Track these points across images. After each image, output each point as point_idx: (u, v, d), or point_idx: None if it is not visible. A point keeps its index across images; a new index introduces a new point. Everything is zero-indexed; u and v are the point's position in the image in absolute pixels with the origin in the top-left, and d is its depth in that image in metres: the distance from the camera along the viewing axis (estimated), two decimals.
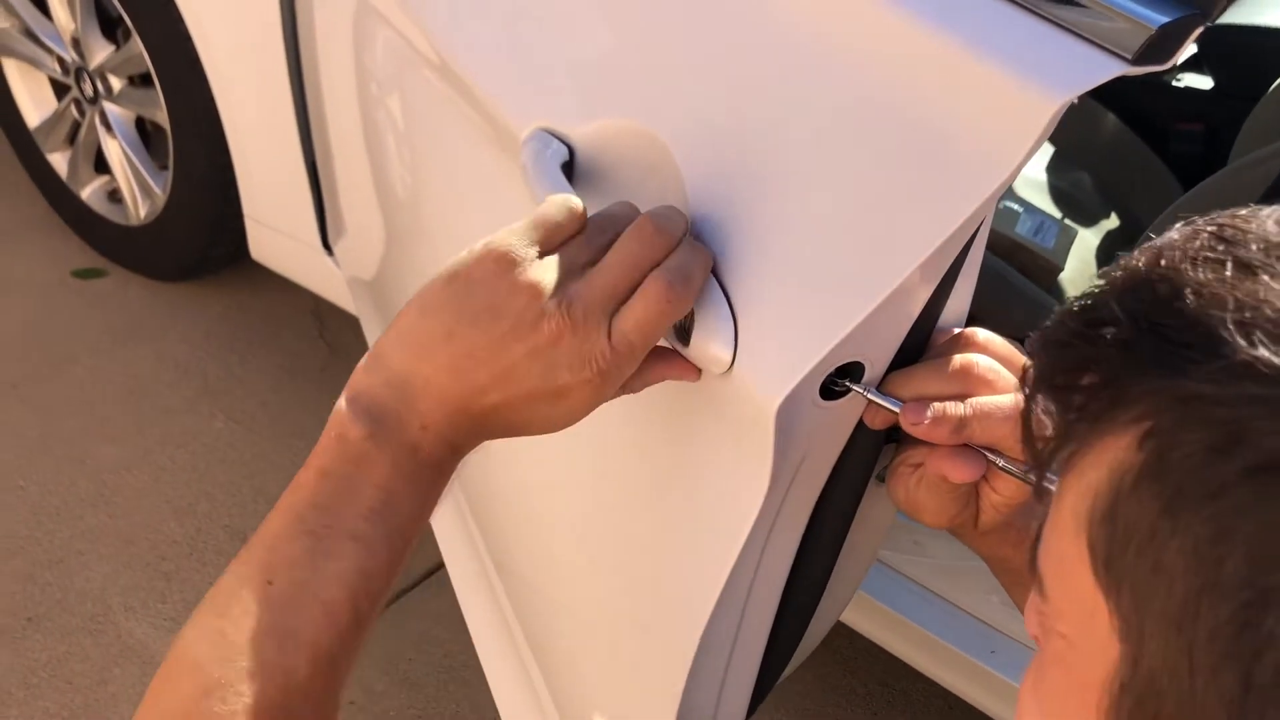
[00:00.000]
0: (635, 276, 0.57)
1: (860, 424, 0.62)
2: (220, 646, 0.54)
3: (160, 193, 2.05)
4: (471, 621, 1.12)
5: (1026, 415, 0.41)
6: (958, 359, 0.59)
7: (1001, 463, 0.58)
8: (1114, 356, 0.36)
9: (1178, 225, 0.40)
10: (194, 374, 2.09)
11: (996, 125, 0.50)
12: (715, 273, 0.61)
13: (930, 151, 0.53)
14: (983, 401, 0.58)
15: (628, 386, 0.61)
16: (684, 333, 0.61)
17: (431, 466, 0.58)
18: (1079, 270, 1.68)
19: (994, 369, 0.60)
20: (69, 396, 2.02)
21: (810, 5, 0.61)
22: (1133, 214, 1.78)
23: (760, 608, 0.68)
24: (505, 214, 0.98)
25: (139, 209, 2.12)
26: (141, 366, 2.09)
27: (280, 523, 0.56)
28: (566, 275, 0.57)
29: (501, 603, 1.06)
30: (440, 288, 0.58)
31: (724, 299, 0.60)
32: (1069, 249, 1.64)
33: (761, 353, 0.58)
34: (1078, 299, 0.40)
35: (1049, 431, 0.39)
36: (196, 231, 2.06)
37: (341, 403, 0.57)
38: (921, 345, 0.61)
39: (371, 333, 1.64)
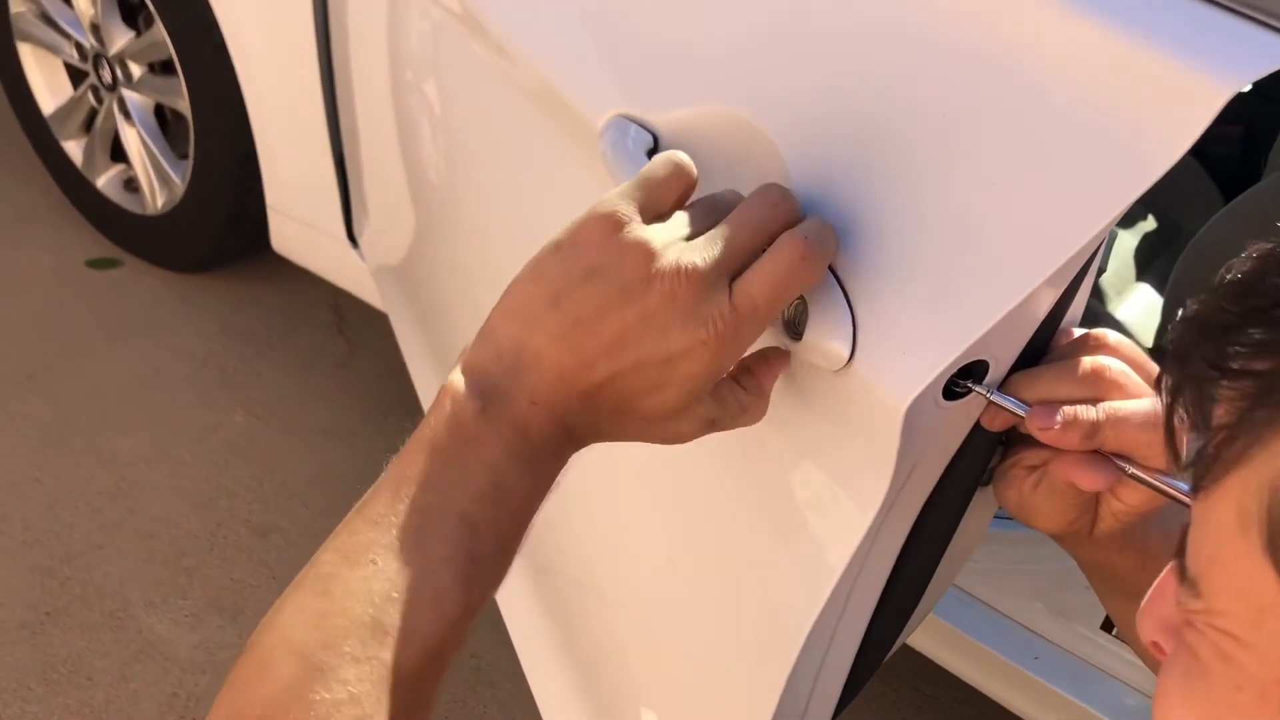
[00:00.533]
0: (760, 239, 0.54)
1: (976, 425, 0.59)
2: (321, 630, 0.49)
3: (179, 182, 2.03)
4: (514, 625, 1.10)
5: (1170, 414, 0.39)
6: (1088, 361, 0.57)
7: (1135, 471, 0.55)
8: None
9: None
10: (211, 367, 2.06)
11: (1157, 115, 0.48)
12: (829, 265, 0.59)
13: (1081, 142, 0.51)
14: (1116, 406, 0.55)
15: (750, 409, 0.58)
16: (793, 327, 0.59)
17: (543, 448, 0.54)
18: (1118, 272, 1.66)
19: (1126, 373, 0.57)
20: (85, 388, 1.99)
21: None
22: (1169, 216, 1.76)
23: (857, 612, 0.66)
24: (562, 198, 0.98)
25: (156, 199, 2.09)
26: (158, 359, 2.07)
27: (386, 499, 0.51)
28: (679, 235, 0.54)
29: (550, 604, 1.04)
30: (548, 254, 0.54)
31: (841, 292, 0.58)
32: (1108, 251, 1.62)
33: (883, 350, 0.56)
34: (1225, 280, 0.37)
35: (1201, 432, 0.37)
36: (215, 222, 2.03)
37: (452, 376, 0.54)
38: (1044, 345, 0.58)
39: (400, 326, 1.62)
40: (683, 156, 0.56)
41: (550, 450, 0.54)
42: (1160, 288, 1.66)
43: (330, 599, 0.50)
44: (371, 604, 0.49)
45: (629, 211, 0.53)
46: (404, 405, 1.99)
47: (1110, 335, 0.60)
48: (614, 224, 0.53)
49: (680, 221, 0.55)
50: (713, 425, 0.58)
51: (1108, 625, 1.31)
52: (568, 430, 0.55)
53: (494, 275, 1.20)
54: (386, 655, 0.49)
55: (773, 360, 0.60)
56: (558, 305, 0.53)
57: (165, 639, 1.62)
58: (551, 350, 0.53)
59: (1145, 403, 0.56)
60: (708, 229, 0.55)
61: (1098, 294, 1.60)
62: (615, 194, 0.54)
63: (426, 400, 1.53)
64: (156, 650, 1.61)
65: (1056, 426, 0.55)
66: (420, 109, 1.38)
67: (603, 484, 0.75)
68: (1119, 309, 1.65)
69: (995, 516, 0.68)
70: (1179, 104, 0.47)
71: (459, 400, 0.52)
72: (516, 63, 0.99)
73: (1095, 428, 0.55)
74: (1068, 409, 0.55)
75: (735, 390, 0.58)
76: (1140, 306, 1.66)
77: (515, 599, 1.09)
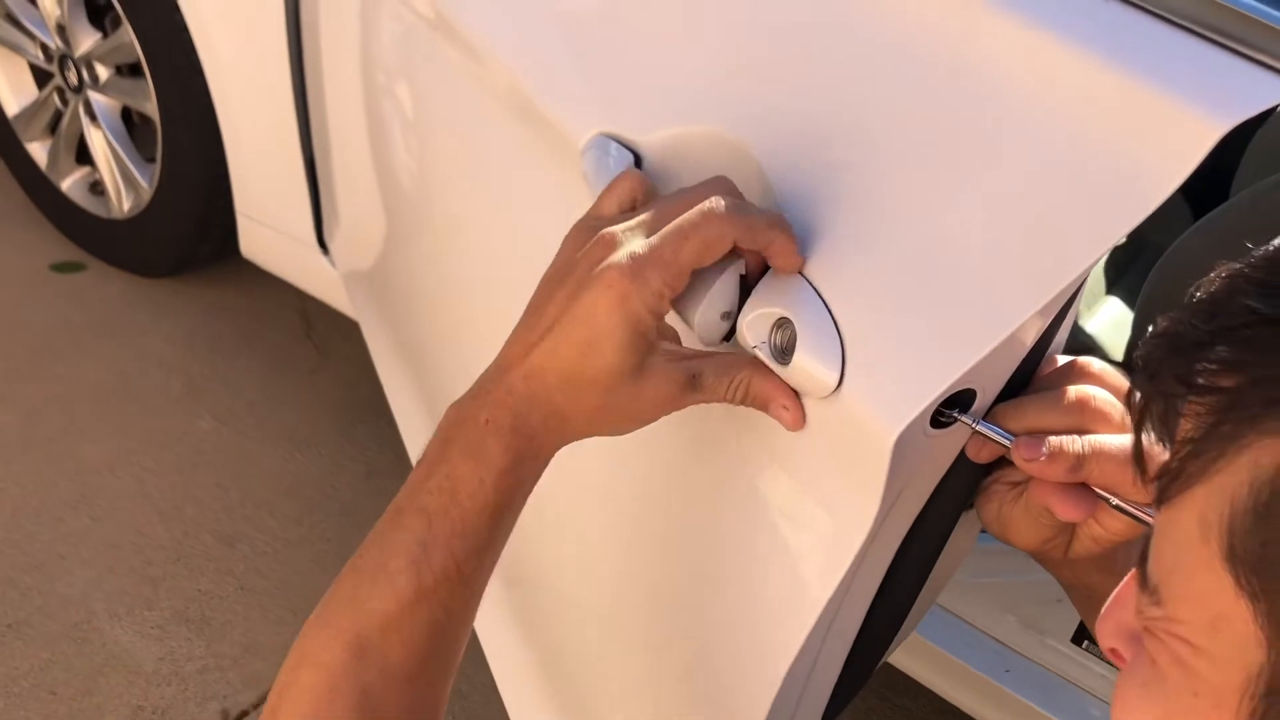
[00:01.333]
0: (681, 209, 0.57)
1: (962, 451, 0.59)
2: (315, 618, 0.59)
3: (146, 186, 2.00)
4: (487, 639, 1.09)
5: (1138, 431, 0.40)
6: (1073, 391, 0.57)
7: (1119, 503, 0.55)
8: (1263, 351, 0.35)
9: None
10: (178, 373, 2.04)
11: (1150, 150, 0.48)
12: (816, 290, 0.58)
13: (1074, 175, 0.51)
14: (1101, 441, 0.56)
15: (723, 394, 0.59)
16: (783, 352, 0.59)
17: (490, 435, 0.57)
18: (1088, 285, 1.67)
19: (1111, 402, 0.57)
20: (48, 394, 1.96)
21: (942, 15, 0.58)
22: (1139, 230, 1.77)
23: (839, 638, 0.66)
24: (536, 204, 0.97)
25: (122, 202, 2.07)
26: (123, 364, 2.04)
27: (388, 509, 0.60)
28: (633, 232, 0.58)
29: (525, 618, 1.03)
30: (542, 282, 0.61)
31: (830, 319, 0.57)
32: None
33: (872, 378, 0.56)
34: (1196, 298, 0.38)
35: (1168, 445, 0.38)
36: (183, 227, 2.01)
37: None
38: (1031, 373, 0.58)
39: (370, 332, 1.60)
40: (638, 172, 0.63)
41: (497, 440, 0.57)
42: (1130, 301, 1.67)
43: (330, 592, 0.59)
44: (344, 591, 0.58)
45: (591, 224, 0.59)
46: (373, 412, 1.97)
47: (1094, 363, 0.60)
48: (577, 233, 0.59)
49: (636, 219, 0.59)
50: (694, 383, 0.59)
51: (1078, 638, 1.32)
52: (519, 416, 0.58)
53: (466, 281, 1.20)
54: (348, 625, 0.57)
55: (769, 381, 0.59)
56: (528, 310, 0.59)
57: (130, 651, 1.60)
58: (512, 344, 0.59)
59: (1130, 436, 0.56)
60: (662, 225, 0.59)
61: None
62: (589, 211, 0.61)
63: (397, 406, 1.52)
64: (121, 662, 1.58)
65: (1042, 458, 0.55)
66: (393, 114, 1.37)
67: (587, 501, 0.75)
68: (1089, 322, 1.66)
69: None
70: (1172, 140, 0.47)
71: (451, 409, 0.60)
72: (493, 70, 0.98)
73: (1080, 461, 0.55)
74: (1053, 441, 0.55)
75: (717, 376, 0.60)
76: (1109, 320, 1.67)
77: (489, 610, 1.08)
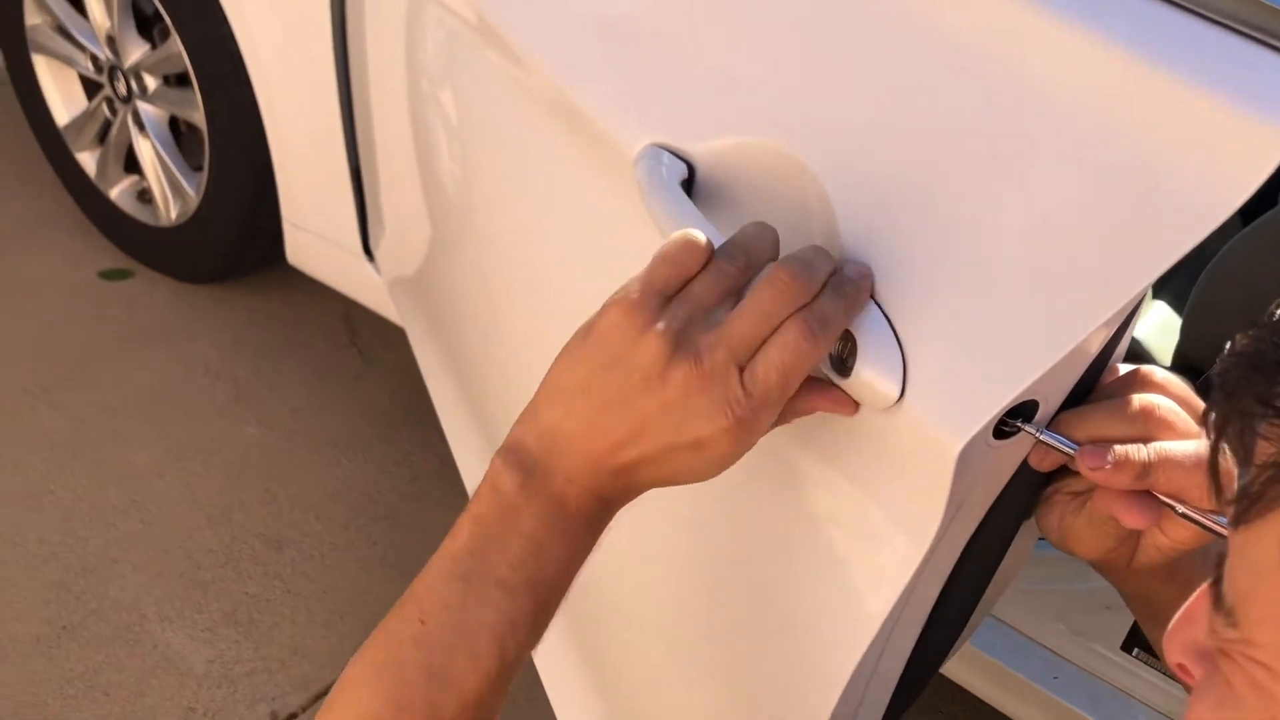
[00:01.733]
0: (768, 326, 0.56)
1: (1024, 461, 0.59)
2: (375, 681, 0.57)
3: (193, 194, 2.03)
4: (541, 659, 1.09)
5: (1214, 448, 0.39)
6: (1137, 399, 0.57)
7: (1186, 511, 0.55)
8: None
9: None
10: (224, 379, 2.06)
11: (1220, 160, 0.48)
12: (877, 302, 0.59)
13: (1141, 186, 0.51)
14: (1167, 447, 0.56)
15: (779, 417, 0.60)
16: (842, 364, 0.59)
17: (580, 519, 0.58)
18: None
19: (1175, 411, 0.57)
20: (97, 401, 1.99)
21: (1004, 26, 0.58)
22: None
23: (897, 649, 0.66)
24: (582, 213, 0.98)
25: (170, 210, 2.09)
26: (170, 371, 2.06)
27: (439, 566, 0.58)
28: (694, 321, 0.56)
29: (578, 628, 1.03)
30: (579, 341, 0.58)
31: (890, 330, 0.57)
32: None
33: (935, 389, 0.56)
34: (1277, 316, 0.38)
35: (1245, 465, 0.38)
36: (229, 234, 2.03)
37: (499, 452, 0.59)
38: (1093, 383, 0.58)
39: (416, 339, 1.62)
40: (698, 235, 0.59)
41: (586, 520, 0.58)
42: (1177, 306, 1.66)
43: (386, 652, 0.57)
44: (418, 658, 0.56)
45: (650, 300, 0.56)
46: (417, 417, 1.99)
47: (1157, 372, 0.60)
48: (634, 312, 0.56)
49: (698, 295, 0.57)
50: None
51: (1128, 646, 1.31)
52: (603, 501, 0.58)
53: (512, 287, 1.21)
54: (429, 703, 0.56)
55: (824, 395, 0.60)
56: (588, 392, 0.57)
57: (180, 653, 1.62)
58: (583, 434, 0.57)
59: (1195, 443, 0.56)
60: (727, 292, 0.57)
61: None
62: (637, 281, 0.57)
63: (443, 413, 1.54)
64: (172, 664, 1.60)
65: (1107, 466, 0.55)
66: (437, 121, 1.38)
67: (644, 517, 0.75)
68: (1136, 327, 1.64)
69: None
70: (1240, 150, 0.47)
71: (502, 475, 0.57)
72: (539, 78, 0.99)
73: (1146, 468, 0.55)
74: (1119, 449, 0.55)
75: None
76: (1156, 324, 1.66)
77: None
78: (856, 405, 0.60)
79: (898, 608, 0.61)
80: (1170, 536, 0.59)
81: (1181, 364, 1.49)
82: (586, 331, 0.58)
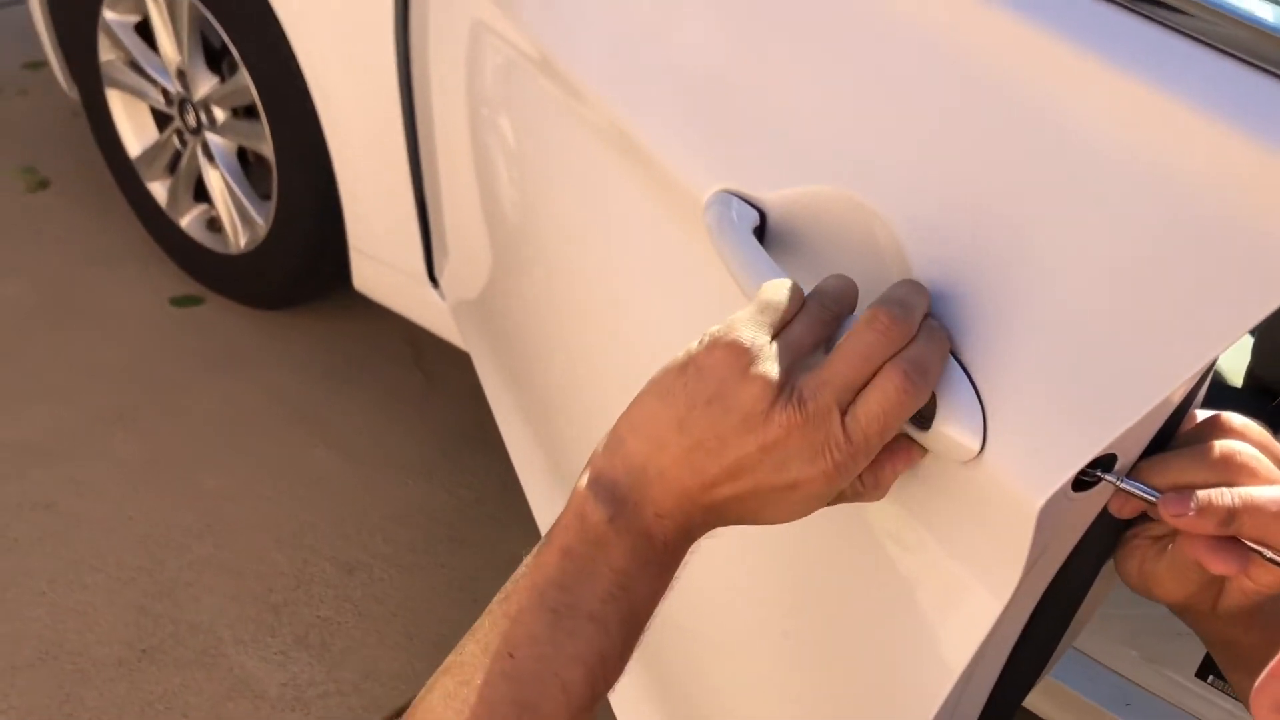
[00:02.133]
0: (870, 368, 0.56)
1: (1103, 510, 0.60)
2: (464, 713, 0.55)
3: (261, 222, 2.07)
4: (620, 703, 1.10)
5: None
6: (1218, 446, 0.57)
7: (1272, 556, 0.55)
8: None
9: None
10: (293, 403, 2.10)
11: None
12: (955, 355, 0.59)
13: (1224, 244, 0.51)
14: (1252, 492, 0.55)
15: (867, 495, 0.61)
16: (922, 418, 0.59)
17: (667, 552, 0.58)
18: None
19: (1257, 457, 0.57)
20: (171, 426, 2.03)
21: (1085, 82, 0.59)
22: None
23: (974, 694, 0.66)
24: (643, 244, 0.99)
25: (239, 238, 2.14)
26: (241, 395, 2.11)
27: (524, 597, 0.57)
28: (795, 364, 0.57)
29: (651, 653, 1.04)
30: (674, 375, 0.58)
31: (969, 384, 0.58)
32: None
33: (1015, 444, 0.56)
34: None
35: None
36: (297, 261, 2.07)
37: (582, 483, 0.58)
38: (1173, 431, 0.58)
39: (481, 363, 1.64)
40: (792, 281, 0.60)
41: (672, 552, 0.58)
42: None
43: (472, 686, 0.55)
44: (508, 691, 0.55)
45: (754, 343, 0.57)
46: (481, 438, 2.02)
47: (1235, 418, 0.60)
48: (738, 353, 0.56)
49: (796, 339, 0.58)
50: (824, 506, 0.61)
51: (1203, 673, 1.29)
52: (689, 535, 0.59)
53: (575, 316, 1.22)
54: None
55: (898, 459, 0.61)
56: (682, 428, 0.57)
57: (255, 676, 1.65)
58: (675, 470, 0.57)
59: (1274, 490, 0.56)
60: (820, 339, 0.58)
61: None
62: (740, 322, 0.58)
63: (508, 436, 1.56)
64: (247, 687, 1.64)
65: (1191, 513, 0.55)
66: (499, 150, 1.40)
67: (725, 561, 0.76)
68: None
69: None
70: None
71: (590, 507, 0.57)
72: (605, 118, 1.00)
73: (1231, 514, 0.55)
74: (1201, 494, 0.55)
75: (855, 482, 0.60)
76: None
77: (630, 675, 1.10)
78: (924, 451, 0.60)
79: (977, 657, 0.61)
80: (1256, 581, 0.58)
81: (1253, 383, 1.47)
82: (683, 366, 0.58)
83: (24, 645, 1.65)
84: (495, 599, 0.58)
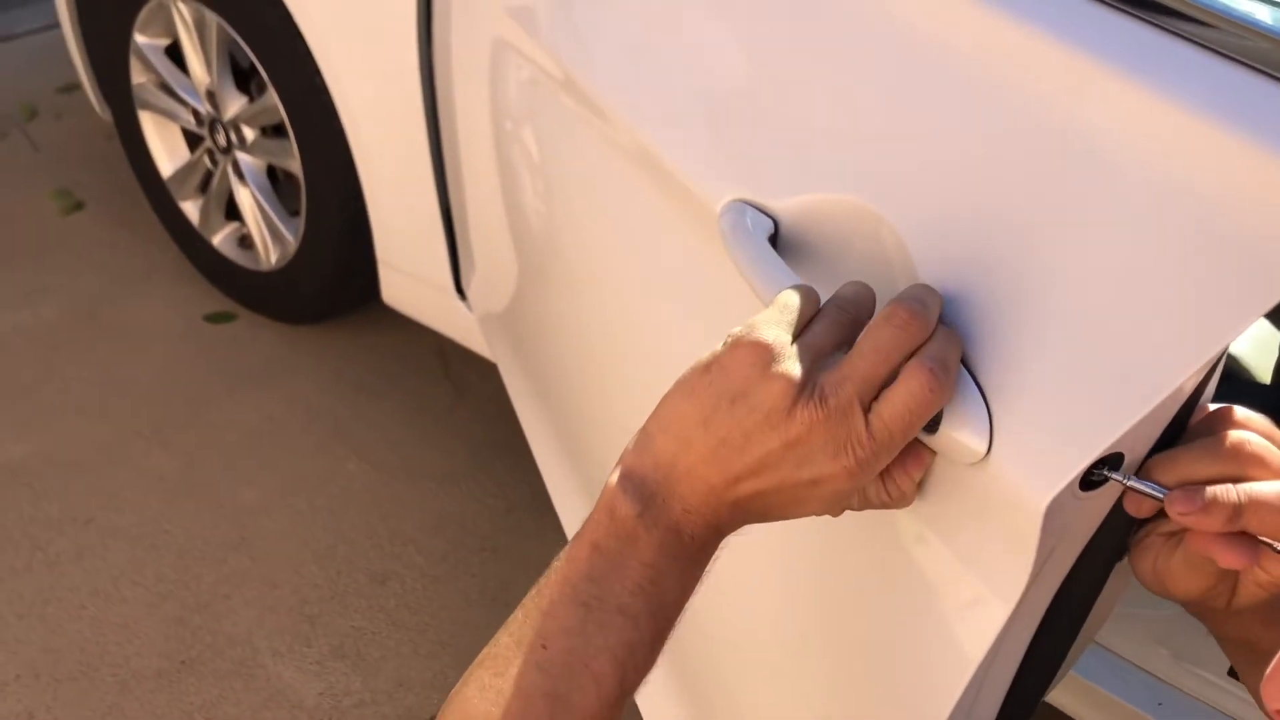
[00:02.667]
0: (891, 364, 0.57)
1: (1113, 508, 0.60)
2: (498, 705, 0.57)
3: (291, 239, 2.10)
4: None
5: None
6: (1227, 438, 0.57)
7: None
8: None
9: None
10: (325, 416, 2.13)
11: None
12: (962, 359, 0.60)
13: (1223, 243, 0.51)
14: (1259, 487, 0.56)
15: (894, 504, 0.62)
16: (930, 422, 0.60)
17: (695, 547, 0.59)
18: None
19: (1266, 447, 0.57)
20: (206, 440, 2.07)
21: (1085, 89, 0.60)
22: None
23: (991, 693, 0.67)
24: (665, 254, 1.00)
25: (270, 255, 2.17)
26: (274, 409, 2.14)
27: (555, 591, 0.58)
28: (817, 362, 0.58)
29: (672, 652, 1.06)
30: (699, 375, 0.59)
31: (975, 385, 0.59)
32: None
33: (1021, 444, 0.57)
34: None
35: None
36: (327, 276, 2.10)
37: (613, 479, 0.60)
38: (1181, 428, 0.59)
39: (508, 374, 1.66)
40: (808, 286, 0.62)
41: (701, 548, 0.59)
42: (1275, 320, 1.62)
43: (505, 677, 0.57)
44: (540, 683, 0.56)
45: (776, 341, 0.58)
46: (510, 448, 2.04)
47: (1239, 410, 0.60)
48: (761, 352, 0.58)
49: (817, 339, 0.59)
50: (853, 508, 0.62)
51: (1235, 671, 1.29)
52: (717, 530, 0.60)
53: (599, 326, 1.23)
54: None
55: (910, 463, 0.62)
56: (708, 426, 0.58)
57: (292, 686, 1.68)
58: (702, 467, 0.58)
59: None
60: (840, 342, 0.59)
61: None
62: (762, 323, 0.59)
63: (536, 446, 1.57)
64: (284, 698, 1.66)
65: (1197, 510, 0.56)
66: (523, 164, 1.42)
67: (743, 561, 0.77)
68: (1232, 344, 1.61)
69: None
70: None
71: (619, 502, 0.58)
72: (624, 131, 1.02)
73: (1238, 510, 0.55)
74: (1209, 491, 0.56)
75: (879, 489, 0.62)
76: (1254, 340, 1.63)
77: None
78: (933, 453, 0.61)
79: (990, 657, 0.62)
80: (1271, 573, 0.59)
81: None
82: (707, 366, 0.59)
83: (66, 658, 1.68)
84: (529, 594, 0.59)
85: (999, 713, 0.69)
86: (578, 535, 0.59)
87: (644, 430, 0.61)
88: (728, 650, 0.93)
